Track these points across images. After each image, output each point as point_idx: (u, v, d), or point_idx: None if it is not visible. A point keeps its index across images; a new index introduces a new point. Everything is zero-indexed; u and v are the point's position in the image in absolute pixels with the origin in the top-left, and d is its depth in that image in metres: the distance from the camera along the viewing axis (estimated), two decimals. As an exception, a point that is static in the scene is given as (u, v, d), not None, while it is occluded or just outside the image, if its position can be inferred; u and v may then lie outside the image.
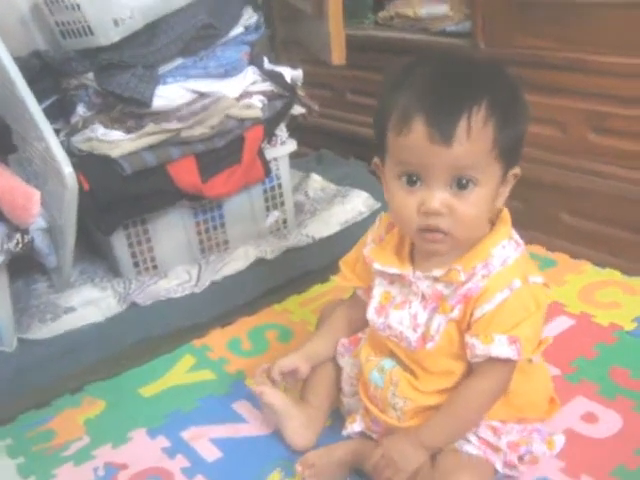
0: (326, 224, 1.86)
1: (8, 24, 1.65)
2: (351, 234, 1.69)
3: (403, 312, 1.02)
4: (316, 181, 2.09)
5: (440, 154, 0.89)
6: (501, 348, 0.94)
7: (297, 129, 1.88)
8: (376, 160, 1.01)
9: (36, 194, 1.32)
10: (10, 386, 1.40)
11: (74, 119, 1.63)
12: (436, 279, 0.99)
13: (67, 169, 1.38)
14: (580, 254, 1.67)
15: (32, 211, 1.31)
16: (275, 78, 1.73)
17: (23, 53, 1.64)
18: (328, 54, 1.83)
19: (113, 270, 1.71)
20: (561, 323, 1.43)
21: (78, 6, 1.50)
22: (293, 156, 1.86)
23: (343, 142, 2.33)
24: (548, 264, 1.63)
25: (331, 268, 1.41)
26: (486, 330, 0.94)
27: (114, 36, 1.53)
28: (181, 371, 1.43)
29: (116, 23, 1.53)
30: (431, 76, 0.92)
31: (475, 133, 0.89)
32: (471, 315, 0.96)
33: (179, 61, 1.61)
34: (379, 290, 1.06)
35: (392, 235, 1.05)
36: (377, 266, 1.04)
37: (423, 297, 1.00)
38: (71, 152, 1.55)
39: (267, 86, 1.72)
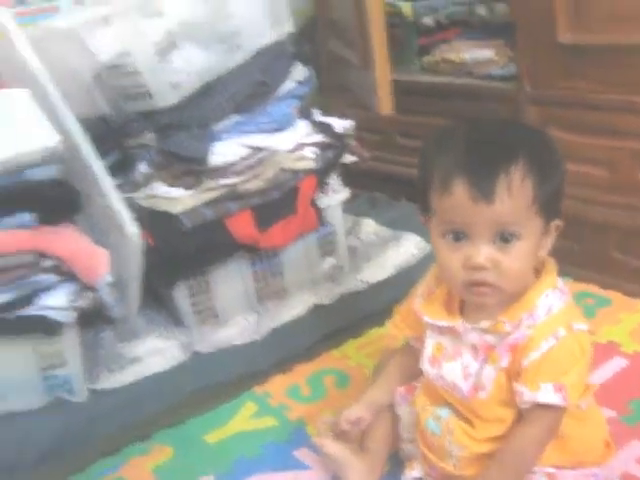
0: (380, 268, 1.91)
1: (73, 89, 1.75)
2: (405, 277, 1.74)
3: (455, 363, 1.06)
4: (369, 225, 2.13)
5: (482, 212, 0.94)
6: (547, 395, 0.97)
7: (349, 174, 1.94)
8: (422, 218, 1.06)
9: (105, 255, 1.40)
10: (82, 436, 1.47)
11: (135, 176, 1.71)
12: (484, 330, 1.02)
13: (132, 229, 1.46)
14: (634, 292, 1.68)
15: (102, 271, 1.39)
16: (325, 129, 1.79)
17: (88, 115, 1.74)
18: (375, 103, 1.89)
19: (175, 320, 1.78)
20: (616, 363, 1.44)
21: (138, 73, 1.60)
22: (346, 199, 1.91)
23: (395, 184, 2.38)
24: (603, 303, 1.64)
25: (387, 312, 1.44)
26: (533, 378, 0.98)
27: (172, 99, 1.62)
28: (244, 418, 1.48)
29: (174, 87, 1.62)
30: (468, 138, 0.98)
31: (515, 190, 0.93)
32: (519, 363, 0.99)
33: (234, 118, 1.69)
34: (431, 342, 1.10)
35: (442, 288, 1.10)
36: (427, 319, 1.09)
37: (473, 348, 1.04)
38: (132, 207, 1.62)
39: (318, 137, 1.78)
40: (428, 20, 2.30)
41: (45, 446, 1.43)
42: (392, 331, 1.24)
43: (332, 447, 1.20)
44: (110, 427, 1.49)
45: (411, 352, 1.19)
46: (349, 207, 2.10)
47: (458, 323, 1.05)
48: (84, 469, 1.40)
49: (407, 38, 2.36)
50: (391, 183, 2.40)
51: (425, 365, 1.10)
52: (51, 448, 1.43)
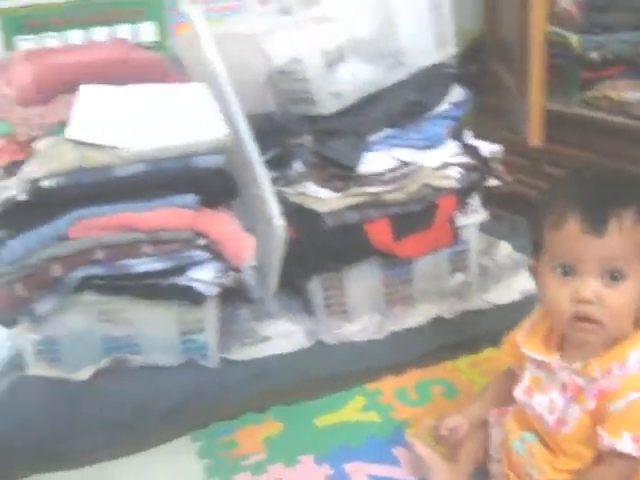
0: (507, 291, 1.97)
1: (246, 87, 1.92)
2: (529, 304, 1.77)
3: (545, 397, 1.13)
4: (504, 248, 2.18)
5: (592, 245, 1.01)
6: (625, 444, 1.02)
7: (492, 195, 2.00)
8: (532, 262, 1.14)
9: (251, 242, 1.56)
10: (207, 397, 1.65)
11: (290, 172, 1.87)
12: (575, 372, 1.09)
13: (279, 222, 1.62)
14: None
15: (247, 256, 1.56)
16: (472, 152, 1.87)
17: (256, 111, 1.91)
18: (526, 133, 1.94)
19: (306, 309, 1.92)
20: None
21: (306, 80, 1.75)
22: (485, 220, 1.97)
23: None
24: None
25: (505, 334, 1.51)
26: (615, 425, 1.04)
27: (333, 107, 1.77)
28: (352, 409, 1.60)
29: (336, 96, 1.76)
30: (586, 181, 1.05)
31: (626, 228, 1.01)
32: (604, 409, 1.05)
33: (387, 131, 1.81)
34: (528, 373, 1.18)
35: (544, 323, 1.17)
36: (526, 351, 1.16)
37: (563, 385, 1.11)
38: (282, 201, 1.78)
39: (464, 159, 1.86)
40: (594, 55, 2.30)
41: (175, 400, 1.61)
42: (500, 355, 1.32)
43: (424, 449, 1.30)
44: (233, 394, 1.66)
45: (512, 378, 1.26)
46: (488, 228, 2.16)
47: (553, 360, 1.12)
48: (203, 427, 1.57)
49: (571, 70, 2.36)
50: (534, 208, 2.42)
51: (519, 394, 1.18)
52: (179, 403, 1.61)
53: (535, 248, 1.12)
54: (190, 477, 1.44)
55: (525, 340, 1.19)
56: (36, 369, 1.65)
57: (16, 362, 1.67)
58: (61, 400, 1.60)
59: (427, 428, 1.37)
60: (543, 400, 1.14)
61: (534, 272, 1.15)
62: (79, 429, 1.56)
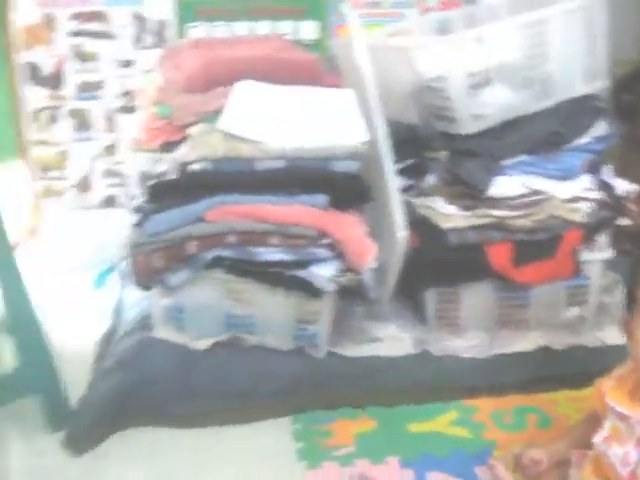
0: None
1: (392, 95, 1.98)
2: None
3: (621, 448, 1.15)
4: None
5: None
6: None
7: (622, 233, 1.97)
8: (625, 316, 1.15)
9: (373, 249, 1.64)
10: (310, 385, 1.75)
11: (422, 185, 1.93)
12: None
13: (402, 233, 1.69)
14: None
15: (367, 261, 1.64)
16: (607, 189, 1.86)
17: (397, 119, 1.98)
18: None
19: (418, 317, 1.97)
20: None
21: (449, 98, 1.80)
22: (611, 257, 1.95)
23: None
24: None
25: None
26: None
27: (472, 128, 1.81)
28: (446, 421, 1.66)
29: (477, 118, 1.81)
30: None
31: None
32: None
33: (522, 158, 1.83)
34: (609, 423, 1.20)
35: (633, 377, 1.18)
36: (609, 401, 1.18)
37: (638, 440, 1.12)
38: (409, 210, 1.83)
39: (597, 195, 1.84)
40: None
41: (281, 382, 1.73)
42: (589, 398, 1.34)
43: (504, 473, 1.34)
44: (335, 386, 1.75)
45: (596, 423, 1.28)
46: (613, 264, 2.13)
47: (635, 414, 1.14)
48: (303, 412, 1.68)
49: None
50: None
51: (597, 441, 1.20)
52: (285, 385, 1.73)
53: (629, 303, 1.14)
54: (282, 456, 1.56)
55: (611, 391, 1.21)
56: (162, 332, 1.81)
57: (145, 323, 1.84)
58: (180, 364, 1.75)
59: (511, 454, 1.40)
60: (619, 451, 1.15)
61: (626, 327, 1.17)
62: (193, 394, 1.71)
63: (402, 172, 1.91)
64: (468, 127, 1.81)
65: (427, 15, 2.53)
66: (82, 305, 2.29)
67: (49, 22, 2.63)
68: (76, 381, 1.75)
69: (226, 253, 1.68)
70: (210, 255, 1.68)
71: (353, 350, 1.86)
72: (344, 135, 1.72)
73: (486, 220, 1.80)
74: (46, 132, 2.74)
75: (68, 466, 1.56)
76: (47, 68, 2.67)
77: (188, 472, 1.53)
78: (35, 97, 2.70)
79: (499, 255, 1.81)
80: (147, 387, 1.69)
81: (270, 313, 1.77)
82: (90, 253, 2.36)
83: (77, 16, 2.63)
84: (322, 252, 1.68)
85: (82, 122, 2.74)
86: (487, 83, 1.80)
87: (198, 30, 2.54)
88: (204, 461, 1.56)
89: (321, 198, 1.68)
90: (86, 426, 1.64)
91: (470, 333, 1.92)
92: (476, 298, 1.91)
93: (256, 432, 1.65)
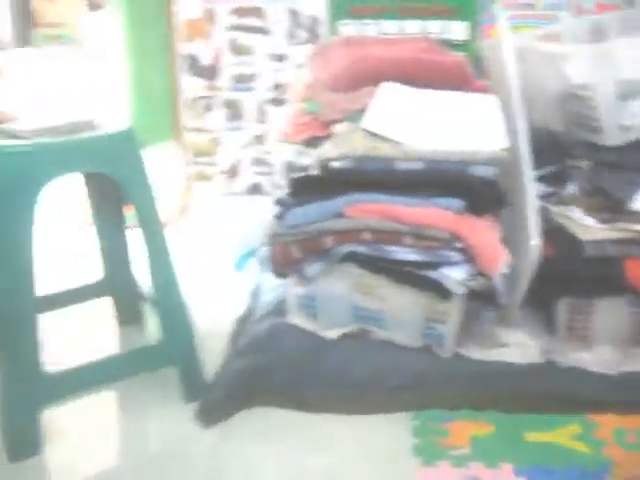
0: None
1: (536, 100, 1.97)
2: None
3: None
4: None
5: None
6: None
7: None
8: None
9: (505, 256, 1.65)
10: (438, 385, 1.78)
11: (562, 193, 1.91)
12: None
13: (535, 241, 1.69)
14: None
15: (497, 269, 1.65)
16: None
17: (540, 125, 1.96)
18: None
19: (547, 326, 1.96)
20: None
21: (597, 108, 1.77)
22: None
23: None
24: None
25: None
26: None
27: (619, 140, 1.78)
28: (565, 434, 1.65)
29: (624, 129, 1.77)
30: None
31: None
32: None
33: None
34: None
35: None
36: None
37: None
38: (546, 218, 1.82)
39: None
40: None
41: (405, 377, 1.77)
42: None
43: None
44: (457, 387, 1.77)
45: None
46: None
47: None
48: (423, 409, 1.72)
49: None
50: None
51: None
52: (408, 381, 1.77)
53: None
54: (398, 450, 1.61)
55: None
56: (294, 319, 1.89)
57: (279, 308, 1.94)
58: (311, 351, 1.83)
59: (633, 475, 1.38)
60: None
61: None
62: (319, 380, 1.78)
63: (541, 179, 1.90)
64: (614, 138, 1.78)
65: (581, 18, 2.48)
66: (223, 285, 2.43)
67: (210, 17, 2.79)
68: (212, 357, 1.88)
69: (360, 249, 1.74)
70: (345, 249, 1.74)
71: (479, 353, 1.87)
72: (484, 141, 1.73)
73: (627, 234, 1.77)
74: (201, 120, 2.91)
75: (197, 435, 1.68)
76: (205, 60, 2.85)
77: (302, 455, 1.61)
78: (193, 86, 2.88)
79: (637, 270, 1.77)
80: (278, 369, 1.78)
81: (399, 309, 1.81)
82: (234, 237, 2.49)
83: (236, 11, 2.78)
84: (454, 255, 1.70)
85: (235, 112, 2.90)
86: (638, 93, 1.76)
87: (349, 28, 2.61)
88: (319, 446, 1.63)
89: (457, 202, 1.70)
90: (218, 400, 1.75)
91: (600, 347, 1.89)
92: (609, 312, 1.87)
93: (376, 424, 1.71)
